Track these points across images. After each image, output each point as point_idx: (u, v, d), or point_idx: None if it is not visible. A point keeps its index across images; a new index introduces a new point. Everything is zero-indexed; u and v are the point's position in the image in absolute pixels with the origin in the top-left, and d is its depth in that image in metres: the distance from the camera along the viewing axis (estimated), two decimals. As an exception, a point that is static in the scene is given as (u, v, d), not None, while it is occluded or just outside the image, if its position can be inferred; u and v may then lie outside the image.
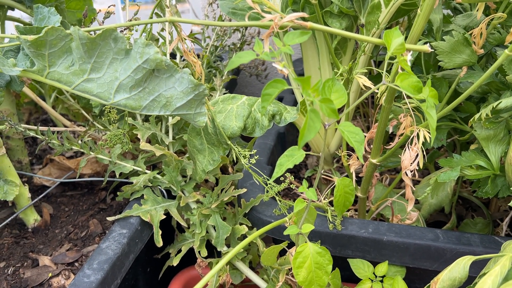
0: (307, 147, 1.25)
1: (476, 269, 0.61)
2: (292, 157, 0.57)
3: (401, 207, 0.89)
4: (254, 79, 1.68)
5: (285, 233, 0.55)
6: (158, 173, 0.90)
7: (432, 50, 0.70)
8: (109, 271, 0.73)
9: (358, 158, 0.76)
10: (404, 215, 0.86)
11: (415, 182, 1.00)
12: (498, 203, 0.96)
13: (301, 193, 0.92)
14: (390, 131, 0.83)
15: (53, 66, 0.63)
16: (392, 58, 0.54)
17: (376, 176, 0.86)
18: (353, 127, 0.53)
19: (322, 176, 1.04)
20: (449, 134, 0.93)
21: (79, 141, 1.06)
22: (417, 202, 0.93)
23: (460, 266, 0.55)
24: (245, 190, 0.83)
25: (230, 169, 1.04)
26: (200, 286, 0.52)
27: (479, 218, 0.91)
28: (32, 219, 0.93)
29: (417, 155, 0.64)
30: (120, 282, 0.77)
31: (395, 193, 0.94)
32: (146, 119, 0.96)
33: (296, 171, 1.16)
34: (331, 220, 0.79)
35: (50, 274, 0.82)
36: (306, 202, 0.57)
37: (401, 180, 1.08)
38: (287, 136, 1.17)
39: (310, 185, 0.81)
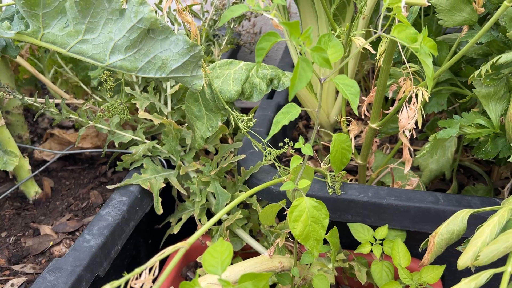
0: (307, 119, 1.25)
1: (476, 225, 0.61)
2: (288, 114, 0.56)
3: (401, 173, 0.89)
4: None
5: (281, 188, 0.55)
6: (157, 143, 0.89)
7: (429, 4, 0.69)
8: (109, 236, 0.73)
9: (357, 122, 0.75)
10: (404, 182, 0.86)
11: (415, 150, 1.00)
12: (499, 171, 0.95)
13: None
14: (390, 96, 0.82)
15: (47, 28, 0.63)
16: (389, 10, 0.54)
17: (376, 142, 0.85)
18: (348, 79, 0.52)
19: (323, 144, 1.03)
20: (450, 102, 0.92)
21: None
22: (418, 169, 0.93)
23: (459, 219, 0.54)
24: (244, 156, 0.83)
25: (230, 141, 1.04)
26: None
27: (480, 184, 0.91)
28: (33, 191, 0.94)
29: (415, 114, 0.63)
30: (120, 249, 0.77)
31: (395, 162, 0.93)
32: (144, 89, 0.95)
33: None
34: (330, 185, 0.79)
35: (51, 243, 0.82)
36: (303, 159, 0.57)
37: (402, 148, 1.08)
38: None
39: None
